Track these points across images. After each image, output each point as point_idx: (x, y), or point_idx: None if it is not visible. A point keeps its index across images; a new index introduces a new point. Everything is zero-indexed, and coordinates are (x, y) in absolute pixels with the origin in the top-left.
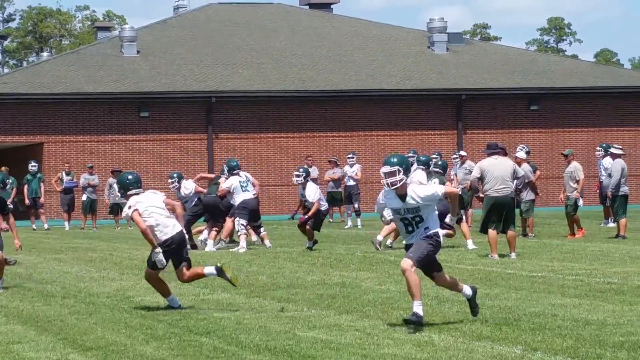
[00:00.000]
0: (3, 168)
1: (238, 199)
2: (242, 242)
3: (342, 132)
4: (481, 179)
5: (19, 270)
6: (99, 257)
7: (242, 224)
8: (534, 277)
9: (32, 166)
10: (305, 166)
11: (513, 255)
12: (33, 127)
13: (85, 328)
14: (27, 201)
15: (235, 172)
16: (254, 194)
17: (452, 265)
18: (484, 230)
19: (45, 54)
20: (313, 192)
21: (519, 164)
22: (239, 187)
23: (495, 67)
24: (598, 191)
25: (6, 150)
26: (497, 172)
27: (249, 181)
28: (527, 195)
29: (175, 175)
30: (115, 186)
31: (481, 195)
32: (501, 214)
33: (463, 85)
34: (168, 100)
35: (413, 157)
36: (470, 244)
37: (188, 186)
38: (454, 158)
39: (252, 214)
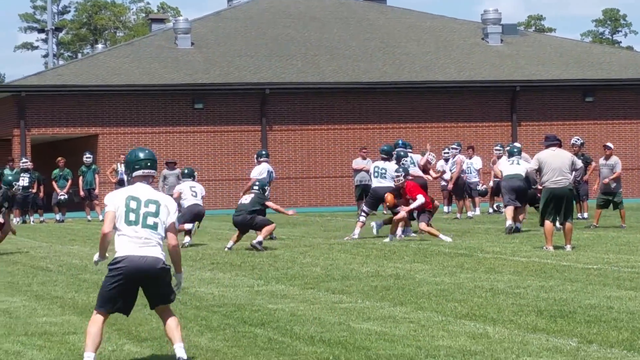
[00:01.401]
0: (60, 159)
1: (186, 203)
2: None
3: (395, 123)
4: (539, 170)
5: (74, 262)
6: None
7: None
8: (589, 270)
9: (87, 157)
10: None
11: (568, 247)
12: (88, 118)
13: (140, 319)
14: (81, 192)
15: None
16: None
17: (507, 258)
18: (542, 222)
19: (99, 46)
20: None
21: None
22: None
23: (550, 58)
24: None
25: (62, 141)
26: (556, 163)
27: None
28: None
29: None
30: (170, 177)
31: (539, 187)
32: (560, 205)
33: (517, 77)
34: (222, 92)
35: (457, 149)
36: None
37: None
38: (497, 150)
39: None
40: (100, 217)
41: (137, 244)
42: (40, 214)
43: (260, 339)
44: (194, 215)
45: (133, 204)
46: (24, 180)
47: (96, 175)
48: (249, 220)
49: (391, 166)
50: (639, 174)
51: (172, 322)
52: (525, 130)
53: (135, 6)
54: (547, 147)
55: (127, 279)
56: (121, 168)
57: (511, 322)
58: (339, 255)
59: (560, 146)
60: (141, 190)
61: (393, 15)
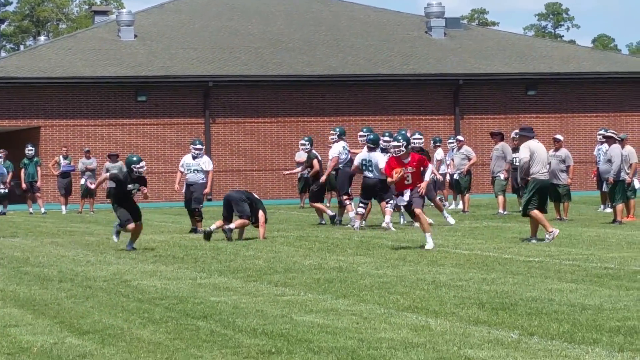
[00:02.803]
0: (2, 152)
1: None
2: None
3: (339, 116)
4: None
5: (16, 254)
6: (96, 241)
7: None
8: (530, 262)
9: (29, 150)
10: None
11: (534, 240)
12: (30, 111)
13: (82, 312)
14: (23, 185)
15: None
16: None
17: (449, 250)
18: (526, 212)
19: (42, 38)
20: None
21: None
22: None
23: (493, 52)
24: (595, 177)
25: (3, 134)
26: (542, 155)
27: None
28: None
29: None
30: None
31: (527, 178)
32: (544, 197)
33: (461, 71)
34: (165, 85)
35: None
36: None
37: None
38: (450, 143)
39: None
40: (43, 210)
41: None
42: None
43: (202, 331)
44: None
45: None
46: None
47: (38, 168)
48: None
49: (377, 156)
50: (581, 168)
51: None
52: (468, 123)
53: None
54: (529, 138)
55: None
56: (63, 160)
57: (453, 315)
58: (281, 247)
59: (502, 139)
60: None
61: (337, 8)
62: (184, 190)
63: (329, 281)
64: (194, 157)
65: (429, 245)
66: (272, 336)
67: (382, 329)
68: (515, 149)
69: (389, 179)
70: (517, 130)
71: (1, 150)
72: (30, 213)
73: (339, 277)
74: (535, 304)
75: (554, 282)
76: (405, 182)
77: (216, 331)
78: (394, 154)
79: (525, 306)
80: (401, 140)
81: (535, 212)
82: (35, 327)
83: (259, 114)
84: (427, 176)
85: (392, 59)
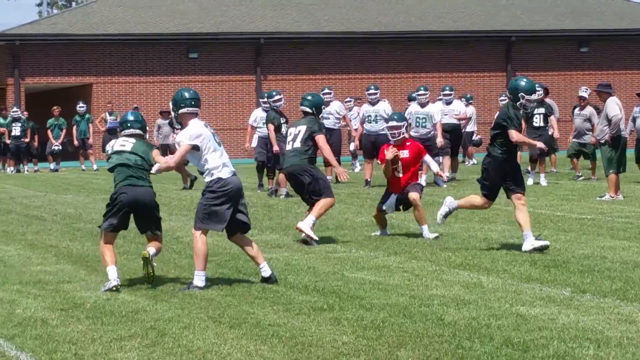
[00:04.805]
0: (56, 109)
1: None
2: None
3: (391, 74)
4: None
5: (68, 211)
6: None
7: None
8: (583, 220)
9: (80, 107)
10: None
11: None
12: (82, 68)
13: (134, 268)
14: (75, 142)
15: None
16: None
17: (501, 208)
18: (612, 171)
19: None
20: None
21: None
22: None
23: (545, 8)
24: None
25: (55, 91)
26: (621, 112)
27: None
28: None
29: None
30: (164, 127)
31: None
32: (622, 155)
33: (513, 27)
34: (217, 42)
35: (425, 94)
36: None
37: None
38: (502, 100)
39: None
40: (95, 167)
41: (228, 166)
42: (34, 163)
43: (254, 288)
44: None
45: (210, 129)
46: (15, 130)
47: (90, 125)
48: None
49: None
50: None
51: (254, 247)
52: None
53: None
54: (610, 95)
55: (233, 197)
56: (110, 117)
57: (505, 272)
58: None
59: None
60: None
61: None
62: (254, 145)
63: (380, 238)
64: (265, 111)
65: (427, 234)
66: (323, 293)
67: (433, 285)
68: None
69: (383, 166)
70: (586, 87)
71: (15, 110)
72: (83, 170)
73: (391, 234)
74: (588, 261)
75: (607, 239)
76: (396, 174)
77: (267, 288)
78: (390, 139)
79: (577, 264)
80: (401, 121)
81: (613, 177)
82: (89, 283)
83: (310, 71)
84: (434, 166)
85: (443, 16)
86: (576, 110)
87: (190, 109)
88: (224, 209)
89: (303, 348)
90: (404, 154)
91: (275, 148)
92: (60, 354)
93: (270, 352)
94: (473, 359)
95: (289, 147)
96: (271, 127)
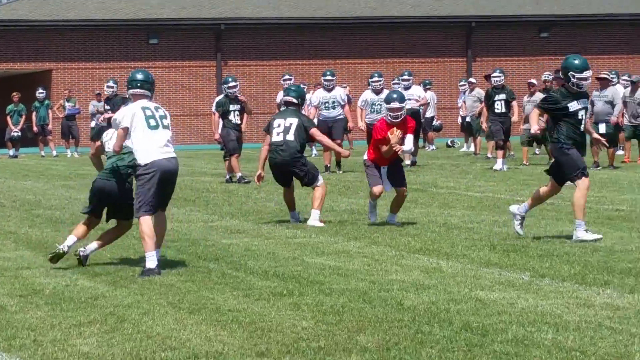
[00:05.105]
0: (15, 95)
1: None
2: None
3: (351, 59)
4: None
5: (28, 197)
6: None
7: None
8: (542, 204)
9: (40, 93)
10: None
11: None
12: (42, 53)
13: (94, 254)
14: (35, 128)
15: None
16: None
17: (461, 193)
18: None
19: None
20: None
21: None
22: None
23: None
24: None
25: (15, 77)
26: None
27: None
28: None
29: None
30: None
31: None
32: None
33: (473, 12)
34: (177, 27)
35: (380, 80)
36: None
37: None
38: (462, 86)
39: None
40: (54, 153)
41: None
42: None
43: (214, 273)
44: None
45: (148, 112)
46: None
47: (49, 111)
48: None
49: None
50: None
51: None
52: (480, 65)
53: None
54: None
55: (162, 180)
56: (68, 103)
57: (464, 257)
58: None
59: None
60: (145, 102)
61: None
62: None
63: (340, 223)
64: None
65: (392, 220)
66: (283, 278)
67: (393, 270)
68: (532, 94)
69: (384, 148)
70: (549, 73)
71: None
72: (42, 156)
73: (351, 219)
74: (547, 245)
75: (566, 224)
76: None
77: (228, 273)
78: (389, 119)
79: (536, 248)
80: (402, 102)
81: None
82: (48, 270)
83: (271, 57)
84: (409, 144)
85: (404, 1)
86: (525, 97)
87: (137, 90)
88: (152, 192)
89: (263, 333)
90: (398, 133)
91: (216, 136)
92: (19, 340)
93: (229, 338)
94: (432, 344)
95: (278, 138)
96: (216, 114)
